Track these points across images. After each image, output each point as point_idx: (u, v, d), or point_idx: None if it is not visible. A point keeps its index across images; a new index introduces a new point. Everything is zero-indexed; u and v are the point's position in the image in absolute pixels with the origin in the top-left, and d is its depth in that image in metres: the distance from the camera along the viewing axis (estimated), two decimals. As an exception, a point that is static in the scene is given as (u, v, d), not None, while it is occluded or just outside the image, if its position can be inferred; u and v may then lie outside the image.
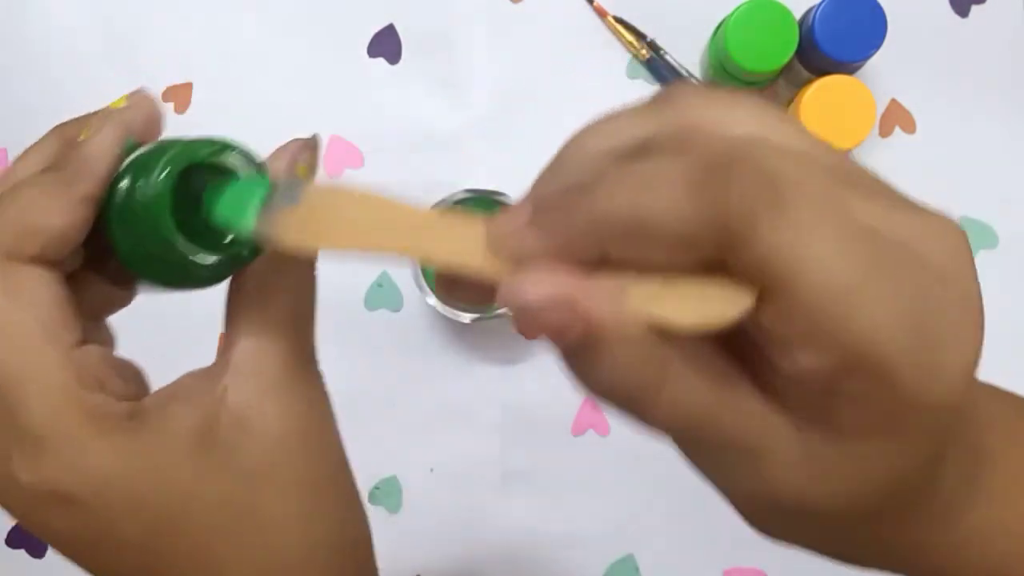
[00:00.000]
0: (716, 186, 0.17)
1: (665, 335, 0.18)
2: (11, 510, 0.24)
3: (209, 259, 0.24)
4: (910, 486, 0.20)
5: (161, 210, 0.23)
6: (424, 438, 0.53)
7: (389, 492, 0.52)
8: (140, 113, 0.27)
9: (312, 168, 0.27)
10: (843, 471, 0.19)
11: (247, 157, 0.24)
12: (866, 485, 0.20)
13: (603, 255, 0.19)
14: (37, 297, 0.23)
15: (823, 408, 0.19)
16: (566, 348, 0.19)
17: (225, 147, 0.24)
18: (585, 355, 0.19)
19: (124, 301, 0.28)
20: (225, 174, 0.24)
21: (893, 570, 0.23)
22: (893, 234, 0.18)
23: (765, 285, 0.18)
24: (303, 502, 0.25)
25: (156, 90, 0.54)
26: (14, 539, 0.54)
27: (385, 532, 0.52)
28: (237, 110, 0.54)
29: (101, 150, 0.24)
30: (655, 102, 0.21)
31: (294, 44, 0.54)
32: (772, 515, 0.22)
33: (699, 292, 0.18)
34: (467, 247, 0.19)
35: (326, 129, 0.53)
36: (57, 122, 0.55)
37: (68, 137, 0.26)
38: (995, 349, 0.56)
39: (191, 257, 0.23)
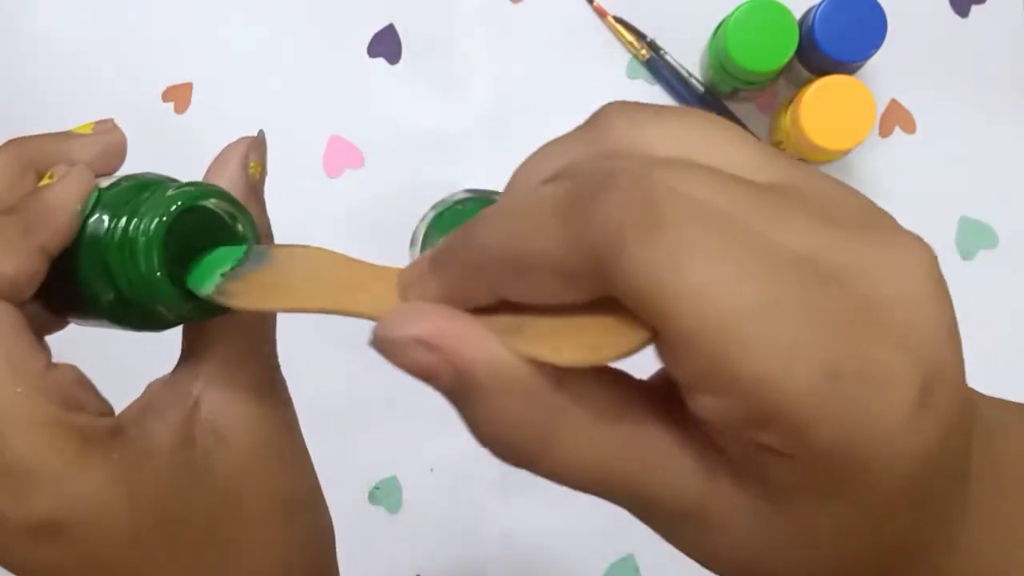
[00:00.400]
0: (581, 212, 0.15)
1: (563, 383, 0.16)
2: None
3: (186, 307, 0.24)
4: (890, 552, 0.17)
5: (152, 257, 0.23)
6: (424, 438, 0.53)
7: (389, 492, 0.52)
8: (100, 144, 0.27)
9: (263, 166, 0.27)
10: (794, 538, 0.16)
11: (227, 199, 0.26)
12: (825, 554, 0.17)
13: (500, 296, 0.17)
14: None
15: (755, 463, 0.16)
16: (447, 395, 0.18)
17: (208, 192, 0.25)
18: (465, 403, 0.17)
19: (59, 325, 0.27)
20: (203, 217, 0.25)
21: None
22: (828, 264, 0.15)
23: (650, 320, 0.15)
24: (281, 506, 0.26)
25: (156, 90, 0.54)
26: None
27: (385, 532, 0.52)
28: (237, 110, 0.54)
29: (64, 200, 0.24)
30: (586, 125, 0.19)
31: (294, 44, 0.54)
32: None
33: (595, 328, 0.16)
34: (390, 300, 0.19)
35: (326, 129, 0.53)
36: (56, 122, 0.55)
37: (24, 160, 0.26)
38: (996, 349, 0.56)
39: (173, 306, 0.23)
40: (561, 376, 0.16)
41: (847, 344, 0.15)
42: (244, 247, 0.24)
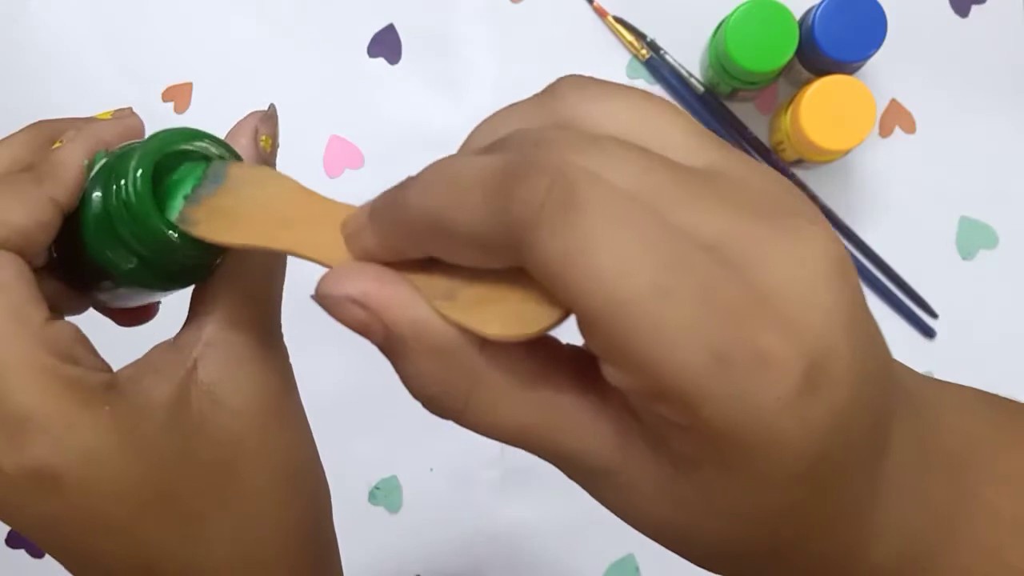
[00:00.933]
0: (504, 191, 0.16)
1: (486, 348, 0.17)
2: None
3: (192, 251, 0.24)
4: (785, 527, 0.18)
5: (145, 200, 0.23)
6: (424, 438, 0.53)
7: (389, 492, 0.52)
8: (118, 127, 0.27)
9: (274, 139, 0.27)
10: (696, 505, 0.17)
11: (218, 143, 0.26)
12: (723, 525, 0.18)
13: (429, 255, 0.18)
14: (2, 277, 0.23)
15: (660, 430, 0.17)
16: (380, 348, 0.19)
17: (194, 135, 0.25)
18: (394, 358, 0.19)
19: (77, 310, 0.27)
20: (198, 163, 0.24)
21: None
22: (731, 249, 0.16)
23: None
24: (281, 470, 0.26)
25: (156, 90, 0.54)
26: (14, 539, 0.54)
27: (385, 532, 0.52)
28: (237, 110, 0.53)
29: (71, 157, 0.25)
30: (542, 93, 0.20)
31: (294, 44, 0.54)
32: (662, 541, 0.20)
33: (523, 297, 0.17)
34: (334, 242, 0.20)
35: (326, 129, 0.53)
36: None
37: (44, 136, 0.27)
38: (996, 349, 0.56)
39: (179, 242, 0.23)
40: (484, 341, 0.17)
41: (736, 329, 0.15)
42: (203, 165, 0.24)
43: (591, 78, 0.20)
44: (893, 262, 0.51)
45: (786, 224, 0.17)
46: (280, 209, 0.22)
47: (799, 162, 0.50)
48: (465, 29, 0.53)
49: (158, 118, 0.54)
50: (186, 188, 0.24)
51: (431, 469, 0.53)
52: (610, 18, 0.52)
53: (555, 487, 0.55)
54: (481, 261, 0.17)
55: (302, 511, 0.27)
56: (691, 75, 0.52)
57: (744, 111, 0.52)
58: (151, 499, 0.23)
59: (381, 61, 0.53)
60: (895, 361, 0.19)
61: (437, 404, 0.19)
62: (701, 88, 0.52)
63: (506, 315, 0.17)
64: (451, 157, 0.19)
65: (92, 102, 0.54)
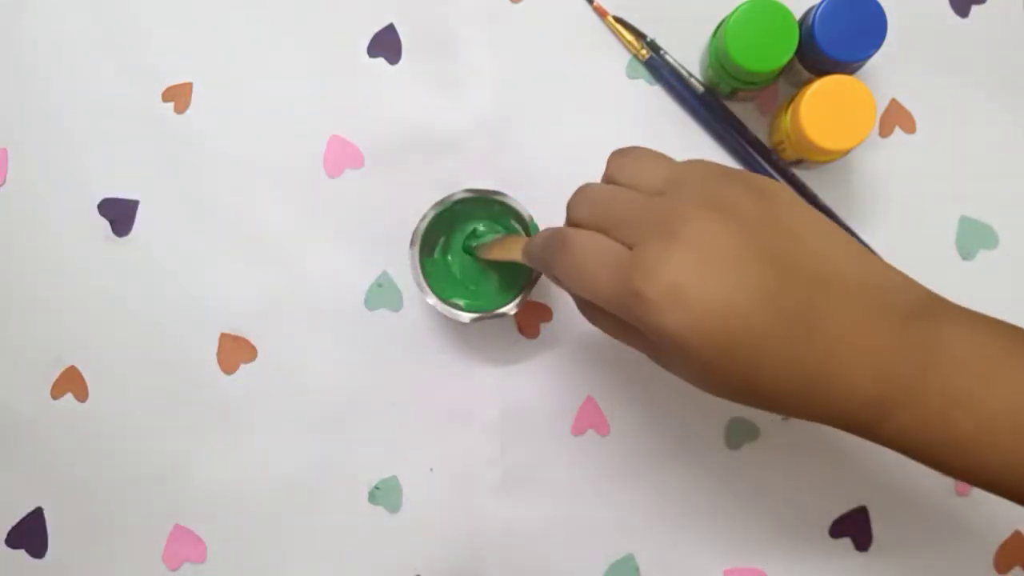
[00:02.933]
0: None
1: (588, 304, 0.38)
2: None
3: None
4: (734, 386, 0.33)
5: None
6: (424, 438, 0.53)
7: (389, 492, 0.52)
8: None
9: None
10: (671, 368, 0.34)
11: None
12: (693, 375, 0.33)
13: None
14: None
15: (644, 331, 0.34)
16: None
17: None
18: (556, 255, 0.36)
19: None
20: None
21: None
22: (636, 249, 0.33)
23: None
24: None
25: (156, 90, 0.54)
26: (14, 539, 0.54)
27: (385, 532, 0.52)
28: (237, 110, 0.54)
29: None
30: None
31: (294, 44, 0.54)
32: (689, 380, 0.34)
33: None
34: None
35: (326, 129, 0.53)
36: (56, 122, 0.55)
37: None
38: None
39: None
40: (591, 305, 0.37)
41: (629, 282, 0.32)
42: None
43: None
44: (893, 262, 0.51)
45: (669, 231, 0.32)
46: (507, 243, 0.45)
47: (799, 162, 0.50)
48: (465, 29, 0.53)
49: (158, 118, 0.54)
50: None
51: (431, 469, 0.53)
52: (610, 18, 0.52)
53: (555, 487, 0.55)
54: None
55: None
56: (691, 75, 0.52)
57: (744, 111, 0.52)
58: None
59: (381, 61, 0.53)
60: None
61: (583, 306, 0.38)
62: (701, 88, 0.52)
63: None
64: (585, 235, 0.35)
65: (92, 102, 0.54)
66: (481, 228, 0.50)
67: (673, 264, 0.31)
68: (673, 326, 0.31)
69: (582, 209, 0.36)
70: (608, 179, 0.37)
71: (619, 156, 0.37)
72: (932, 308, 0.34)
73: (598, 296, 0.34)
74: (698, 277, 0.31)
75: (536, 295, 0.52)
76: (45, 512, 0.54)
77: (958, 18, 0.52)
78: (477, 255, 0.48)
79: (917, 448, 0.33)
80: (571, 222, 0.36)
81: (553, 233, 0.36)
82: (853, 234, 0.51)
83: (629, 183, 0.36)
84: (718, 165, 0.35)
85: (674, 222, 0.32)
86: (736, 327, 0.31)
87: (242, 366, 0.53)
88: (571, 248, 0.35)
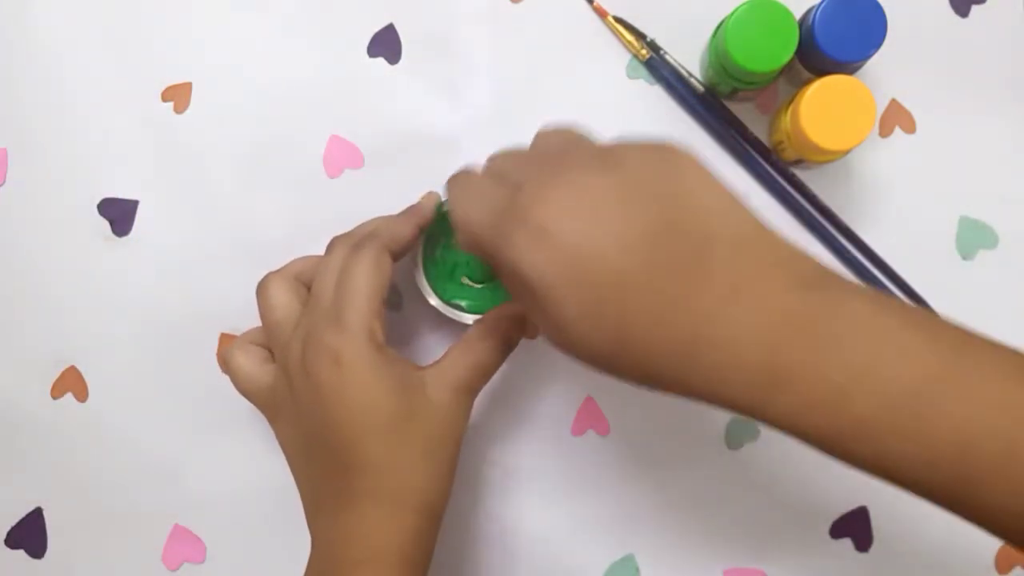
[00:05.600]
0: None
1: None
2: (290, 356, 0.42)
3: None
4: (611, 327, 0.31)
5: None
6: (424, 438, 0.53)
7: (389, 492, 0.52)
8: (432, 199, 0.48)
9: None
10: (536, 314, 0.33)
11: None
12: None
13: None
14: (386, 271, 0.42)
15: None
16: None
17: None
18: None
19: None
20: None
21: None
22: (515, 182, 0.34)
23: None
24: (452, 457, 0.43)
25: (155, 90, 0.54)
26: (14, 539, 0.54)
27: (385, 532, 0.52)
28: (237, 110, 0.54)
29: (428, 205, 0.47)
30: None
31: (294, 44, 0.54)
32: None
33: None
34: None
35: (326, 129, 0.53)
36: (56, 122, 0.55)
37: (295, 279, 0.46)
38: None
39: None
40: None
41: (501, 221, 0.32)
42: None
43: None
44: (893, 262, 0.51)
45: (548, 176, 0.32)
46: None
47: (799, 162, 0.50)
48: (465, 29, 0.53)
49: (158, 118, 0.54)
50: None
51: (431, 469, 0.52)
52: (610, 18, 0.52)
53: (555, 487, 0.55)
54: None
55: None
56: (691, 75, 0.52)
57: (744, 111, 0.52)
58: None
59: (381, 61, 0.53)
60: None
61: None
62: (701, 88, 0.52)
63: None
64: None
65: (92, 102, 0.54)
66: None
67: (543, 205, 0.31)
68: (534, 265, 0.30)
69: (489, 161, 0.39)
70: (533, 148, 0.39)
71: (544, 127, 0.39)
72: (827, 280, 0.32)
73: (471, 232, 0.35)
74: (567, 220, 0.30)
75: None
76: (45, 512, 0.54)
77: (958, 18, 0.52)
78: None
79: (809, 431, 0.30)
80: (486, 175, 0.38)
81: (454, 174, 0.39)
82: (851, 236, 0.51)
83: (541, 148, 0.38)
84: (636, 136, 0.35)
85: (555, 169, 0.32)
86: (602, 273, 0.30)
87: (242, 366, 0.53)
88: (461, 185, 0.37)
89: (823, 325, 0.30)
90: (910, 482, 0.30)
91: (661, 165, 0.32)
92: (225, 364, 0.46)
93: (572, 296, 0.30)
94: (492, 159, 0.39)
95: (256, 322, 0.50)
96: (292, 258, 0.47)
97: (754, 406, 0.30)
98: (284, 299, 0.44)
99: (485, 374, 0.43)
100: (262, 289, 0.45)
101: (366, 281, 0.41)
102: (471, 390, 0.43)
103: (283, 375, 0.43)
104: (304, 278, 0.46)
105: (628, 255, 0.30)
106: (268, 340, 0.45)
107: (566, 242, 0.30)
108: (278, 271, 0.45)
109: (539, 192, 0.31)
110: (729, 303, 0.30)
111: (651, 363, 0.31)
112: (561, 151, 0.35)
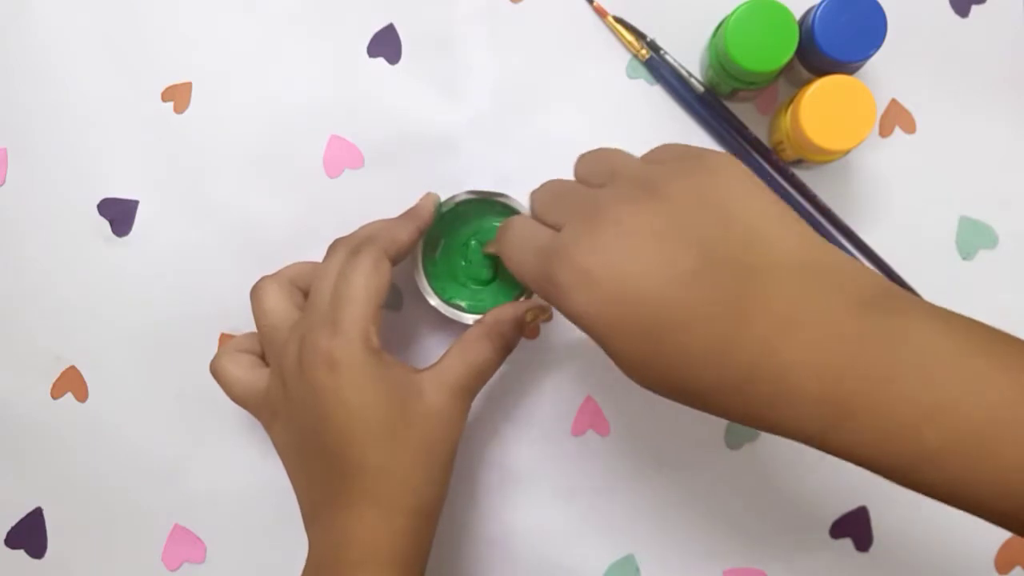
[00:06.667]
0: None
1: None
2: (286, 359, 0.42)
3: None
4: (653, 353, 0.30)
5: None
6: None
7: (389, 492, 0.52)
8: (431, 200, 0.48)
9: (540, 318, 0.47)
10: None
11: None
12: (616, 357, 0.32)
13: None
14: (385, 276, 0.42)
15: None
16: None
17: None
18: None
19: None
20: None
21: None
22: (559, 235, 0.34)
23: None
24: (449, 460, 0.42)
25: (155, 90, 0.54)
26: (14, 539, 0.54)
27: (385, 532, 0.52)
28: (237, 110, 0.54)
29: (427, 206, 0.47)
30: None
31: (294, 44, 0.54)
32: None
33: None
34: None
35: (326, 129, 0.53)
36: (56, 121, 0.55)
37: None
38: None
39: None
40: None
41: (547, 265, 0.32)
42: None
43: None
44: (893, 262, 0.51)
45: (589, 215, 0.32)
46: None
47: (799, 162, 0.50)
48: (465, 29, 0.53)
49: (157, 118, 0.54)
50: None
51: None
52: (610, 18, 0.52)
53: (555, 488, 0.55)
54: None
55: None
56: (691, 75, 0.52)
57: (744, 111, 0.52)
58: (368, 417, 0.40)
59: (381, 61, 0.53)
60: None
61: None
62: (701, 88, 0.52)
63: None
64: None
65: (92, 102, 0.54)
66: (472, 243, 0.50)
67: (584, 247, 0.30)
68: (579, 309, 0.30)
69: (534, 199, 0.38)
70: (575, 178, 0.38)
71: (583, 155, 0.38)
72: (892, 299, 0.30)
73: (525, 279, 0.35)
74: (608, 260, 0.30)
75: (537, 295, 0.52)
76: (45, 512, 0.54)
77: (958, 18, 0.52)
78: (484, 252, 0.49)
79: (873, 462, 0.29)
80: (532, 215, 0.38)
81: (505, 220, 0.39)
82: (851, 236, 0.51)
83: (582, 178, 0.37)
84: (676, 146, 0.34)
85: (596, 207, 0.32)
86: (650, 314, 0.29)
87: (242, 366, 0.53)
88: (509, 231, 0.37)
89: (888, 353, 0.28)
90: (984, 509, 0.29)
91: (706, 190, 0.31)
92: (216, 374, 0.45)
93: (624, 341, 0.30)
94: (536, 196, 0.38)
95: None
96: (292, 258, 0.47)
97: (815, 437, 0.29)
98: (279, 303, 0.44)
99: (483, 376, 0.43)
100: (256, 293, 0.45)
101: (364, 286, 0.41)
102: (468, 392, 0.43)
103: (278, 378, 0.43)
104: (299, 283, 0.45)
105: (675, 294, 0.29)
106: (262, 344, 0.45)
107: (610, 287, 0.30)
108: (272, 275, 0.45)
109: (578, 236, 0.31)
110: (786, 333, 0.28)
111: (710, 397, 0.30)
112: (601, 185, 0.34)
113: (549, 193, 0.37)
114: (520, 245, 0.36)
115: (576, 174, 0.38)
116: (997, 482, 0.27)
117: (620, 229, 0.30)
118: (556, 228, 0.34)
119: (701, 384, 0.30)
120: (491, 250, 0.47)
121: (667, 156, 0.34)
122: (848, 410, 0.28)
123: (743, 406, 0.29)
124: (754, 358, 0.29)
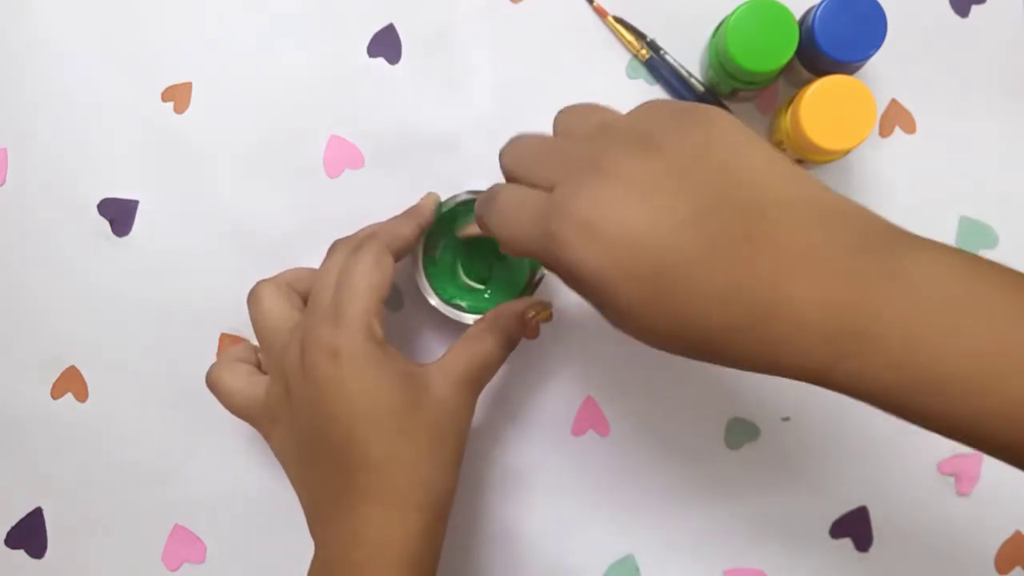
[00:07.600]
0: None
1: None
2: (288, 359, 0.41)
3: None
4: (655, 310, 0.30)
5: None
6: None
7: (389, 492, 0.52)
8: (432, 199, 0.48)
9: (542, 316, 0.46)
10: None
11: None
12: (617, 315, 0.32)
13: None
14: (387, 270, 0.42)
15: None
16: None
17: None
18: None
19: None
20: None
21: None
22: (554, 191, 0.33)
23: None
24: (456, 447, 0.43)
25: (155, 90, 0.54)
26: (14, 539, 0.54)
27: (385, 532, 0.52)
28: (237, 110, 0.54)
29: (428, 206, 0.47)
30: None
31: (294, 44, 0.54)
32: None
33: None
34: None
35: (326, 129, 0.53)
36: (56, 122, 0.55)
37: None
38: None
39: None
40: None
41: (545, 225, 0.31)
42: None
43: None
44: (893, 262, 0.51)
45: (585, 168, 0.31)
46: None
47: (799, 162, 0.50)
48: (465, 29, 0.53)
49: (157, 118, 0.54)
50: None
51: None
52: (610, 18, 0.52)
53: (555, 487, 0.55)
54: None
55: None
56: (691, 75, 0.52)
57: (744, 111, 0.52)
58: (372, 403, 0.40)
59: (381, 61, 0.53)
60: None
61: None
62: (701, 88, 0.52)
63: None
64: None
65: (92, 102, 0.54)
66: (472, 244, 0.50)
67: (584, 198, 0.30)
68: (586, 261, 0.30)
69: (509, 159, 0.36)
70: (556, 132, 0.37)
71: (566, 108, 0.37)
72: (895, 237, 0.30)
73: (522, 246, 0.33)
74: (610, 209, 0.29)
75: (537, 295, 0.52)
76: (44, 512, 0.54)
77: (958, 18, 0.52)
78: (459, 236, 0.49)
79: (876, 392, 0.29)
80: (503, 173, 0.37)
81: (486, 190, 0.37)
82: None
83: (562, 132, 0.36)
84: (663, 102, 0.34)
85: (591, 160, 0.31)
86: (655, 257, 0.29)
87: (242, 366, 0.53)
88: (496, 201, 0.35)
89: (896, 288, 0.28)
90: (987, 441, 0.29)
91: (701, 136, 0.31)
92: (212, 386, 0.45)
93: (628, 287, 0.29)
94: (510, 156, 0.37)
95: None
96: (292, 258, 0.47)
97: (819, 372, 0.29)
98: (277, 306, 0.43)
99: (488, 369, 0.43)
100: (254, 296, 0.44)
101: (366, 279, 0.41)
102: (474, 385, 0.43)
103: (278, 381, 0.42)
104: (297, 287, 0.45)
105: (680, 238, 0.29)
106: (260, 348, 0.45)
107: (614, 233, 0.29)
108: (270, 279, 0.45)
109: (576, 189, 0.30)
110: (793, 271, 0.29)
111: (715, 340, 0.30)
112: (590, 138, 0.34)
113: (527, 151, 0.36)
114: (512, 214, 0.34)
115: (556, 128, 0.37)
116: (1002, 412, 0.27)
117: (621, 181, 0.30)
118: (546, 187, 0.32)
119: (709, 324, 0.29)
120: (470, 232, 0.46)
121: (657, 111, 0.33)
122: (855, 343, 0.28)
123: (749, 343, 0.29)
124: (759, 299, 0.29)
